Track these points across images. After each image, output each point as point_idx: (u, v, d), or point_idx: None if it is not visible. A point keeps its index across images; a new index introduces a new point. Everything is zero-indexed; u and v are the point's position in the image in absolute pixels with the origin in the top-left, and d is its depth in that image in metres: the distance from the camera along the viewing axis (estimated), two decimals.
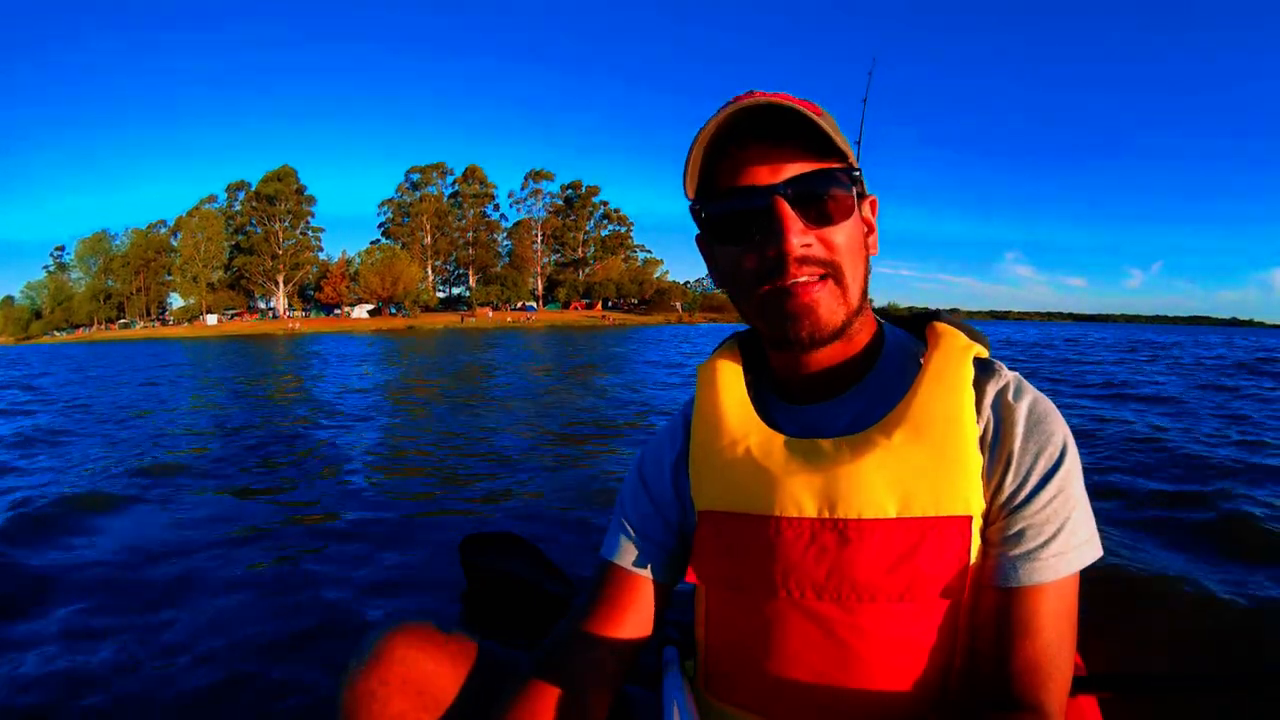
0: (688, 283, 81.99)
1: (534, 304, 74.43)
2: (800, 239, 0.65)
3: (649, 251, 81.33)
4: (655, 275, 77.39)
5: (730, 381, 0.78)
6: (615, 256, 76.88)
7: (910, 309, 0.74)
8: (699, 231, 0.74)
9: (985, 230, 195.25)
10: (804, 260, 0.65)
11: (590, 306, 73.31)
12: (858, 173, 0.68)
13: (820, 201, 0.66)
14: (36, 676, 1.65)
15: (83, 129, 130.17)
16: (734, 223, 0.67)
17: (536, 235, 76.24)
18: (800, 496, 0.68)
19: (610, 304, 74.01)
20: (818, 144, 0.65)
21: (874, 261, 0.74)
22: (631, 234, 79.08)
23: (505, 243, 77.21)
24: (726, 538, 0.71)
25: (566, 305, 73.75)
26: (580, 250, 77.56)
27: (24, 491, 3.53)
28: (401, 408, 7.15)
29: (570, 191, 77.02)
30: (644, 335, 29.58)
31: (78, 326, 74.57)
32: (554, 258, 77.93)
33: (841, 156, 0.67)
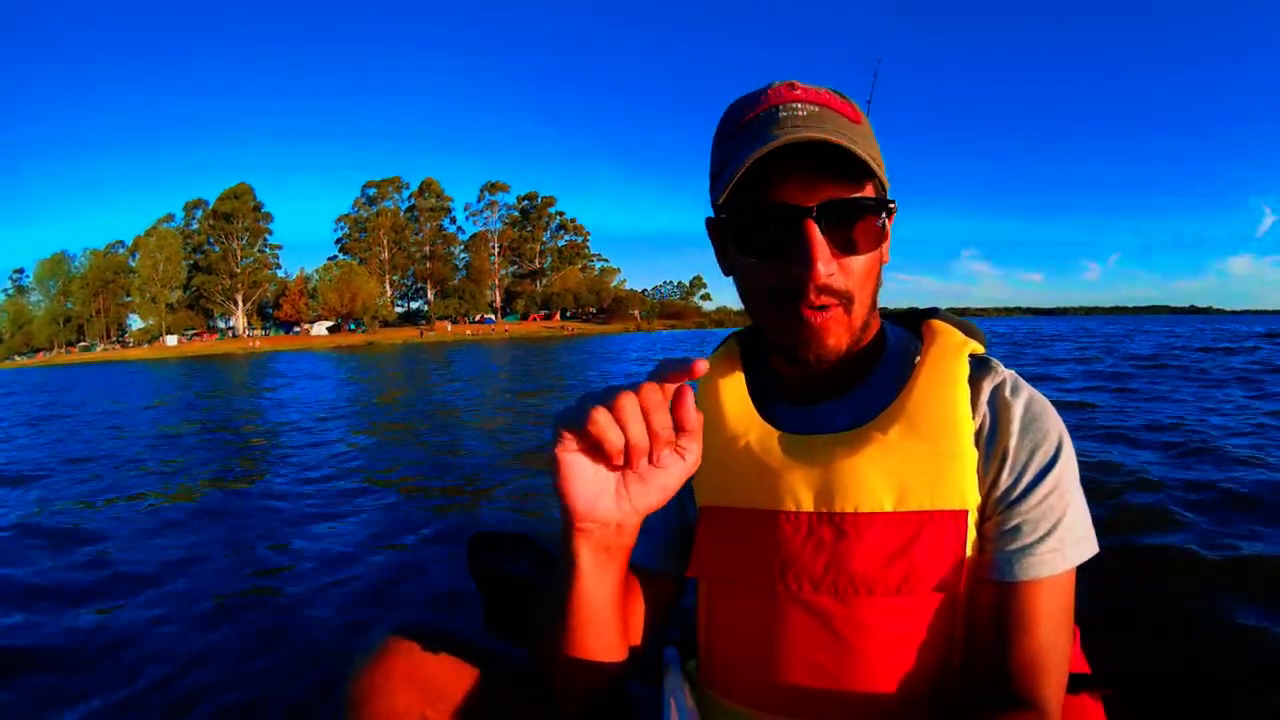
0: (645, 291, 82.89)
1: (492, 316, 74.69)
2: (826, 267, 0.64)
3: (606, 260, 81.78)
4: (613, 284, 78.14)
5: (730, 380, 0.79)
6: (573, 266, 77.30)
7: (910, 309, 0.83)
8: (712, 216, 0.73)
9: (942, 228, 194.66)
10: (824, 288, 0.65)
11: (549, 317, 73.74)
12: (892, 205, 0.68)
13: (850, 229, 0.65)
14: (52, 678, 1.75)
15: (39, 150, 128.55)
16: (760, 237, 0.66)
17: (493, 247, 76.32)
18: (798, 491, 0.69)
19: (569, 314, 74.46)
20: (857, 166, 0.64)
21: None
22: (588, 243, 79.89)
23: (462, 255, 77.35)
24: (726, 532, 0.72)
25: (525, 317, 74.14)
26: (537, 261, 77.84)
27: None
28: (386, 419, 7.24)
29: (526, 202, 77.30)
30: (606, 345, 29.30)
31: (38, 350, 74.10)
32: (511, 269, 78.16)
33: (877, 182, 0.66)
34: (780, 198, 0.64)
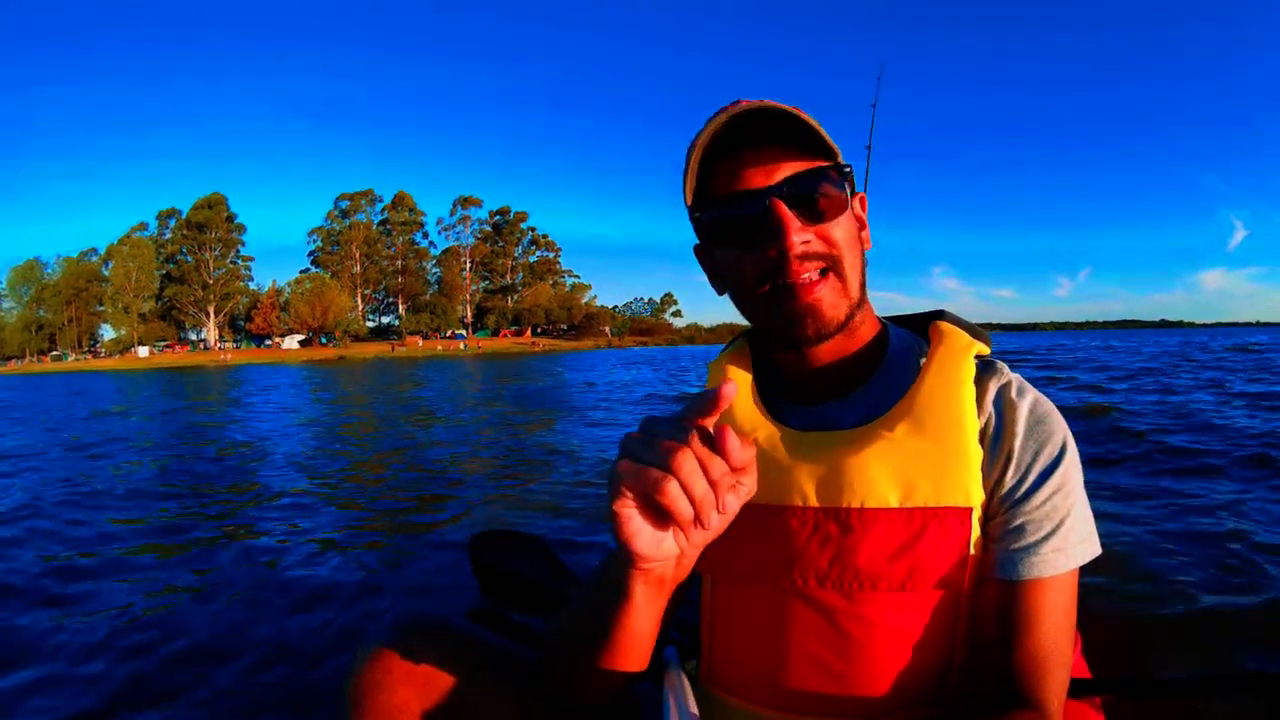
0: (616, 307, 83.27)
1: (464, 332, 74.76)
2: (800, 236, 0.66)
3: (577, 276, 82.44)
4: (584, 300, 78.53)
5: (738, 379, 0.80)
6: (544, 282, 77.58)
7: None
8: (697, 240, 0.76)
9: (911, 243, 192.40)
10: (804, 256, 0.67)
11: (520, 333, 73.97)
12: (848, 169, 0.70)
13: (814, 199, 0.68)
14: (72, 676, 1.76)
15: (12, 153, 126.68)
16: (733, 227, 0.69)
17: (465, 262, 76.50)
18: (805, 486, 0.70)
19: (540, 330, 74.69)
20: (807, 145, 0.68)
21: None
22: (559, 259, 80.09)
23: (434, 270, 77.50)
24: (732, 528, 0.66)
25: (496, 333, 74.26)
26: (509, 276, 77.97)
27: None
28: (377, 427, 7.33)
29: (499, 217, 77.53)
30: (577, 361, 29.12)
31: (10, 358, 73.93)
32: (483, 285, 78.33)
33: (830, 155, 0.69)
34: (745, 186, 0.68)
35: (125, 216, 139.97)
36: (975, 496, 0.66)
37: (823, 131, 0.67)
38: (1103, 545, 0.69)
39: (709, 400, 0.50)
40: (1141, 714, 1.01)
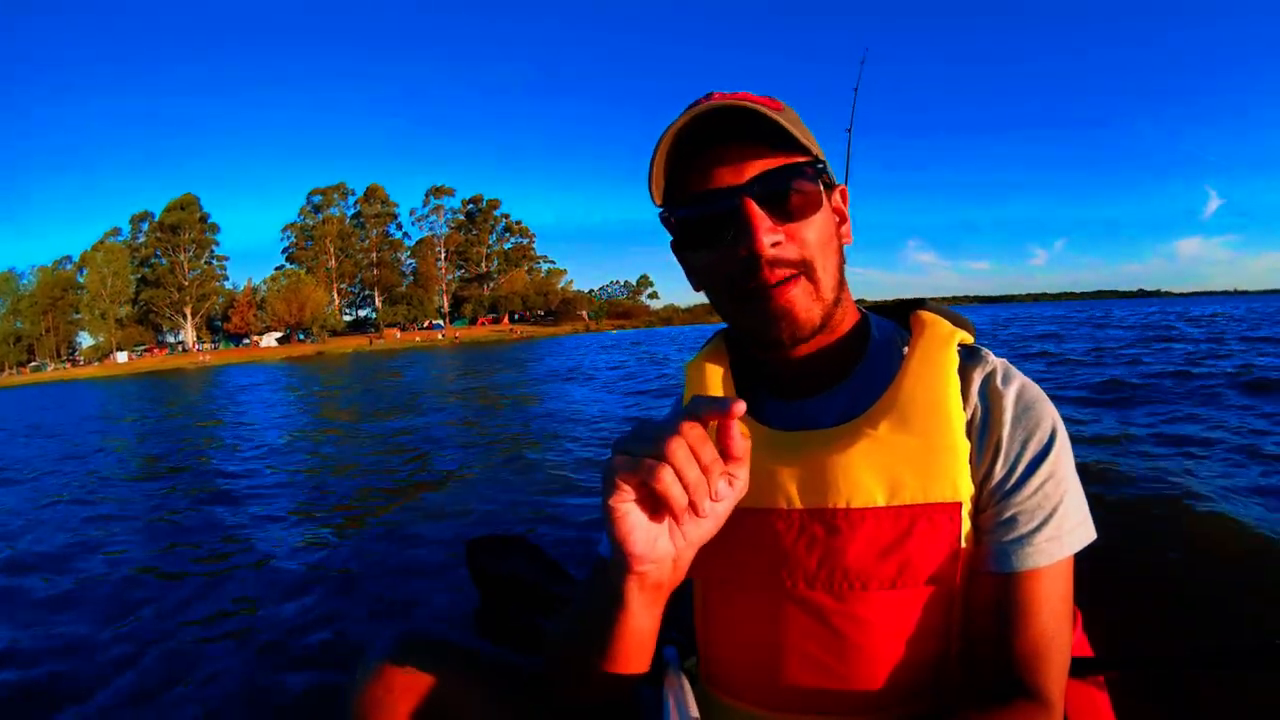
0: (592, 291, 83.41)
1: (441, 322, 74.71)
2: (770, 237, 0.64)
3: (552, 262, 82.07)
4: (560, 285, 78.57)
5: (716, 379, 0.79)
6: (519, 269, 77.52)
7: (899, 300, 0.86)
8: (671, 239, 0.74)
9: (885, 218, 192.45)
10: (775, 260, 0.65)
11: (497, 321, 73.91)
12: (822, 165, 0.68)
13: (786, 197, 0.66)
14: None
15: None
16: (704, 227, 0.67)
17: (440, 252, 76.28)
18: (789, 488, 0.69)
19: (517, 317, 74.71)
20: (781, 139, 0.65)
21: None
22: (534, 245, 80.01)
23: (409, 261, 77.12)
24: (719, 532, 0.67)
25: (473, 321, 74.17)
26: (484, 265, 77.89)
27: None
28: (364, 431, 7.24)
29: (472, 206, 77.27)
30: (556, 347, 29.07)
31: None
32: (458, 274, 78.07)
33: (804, 150, 0.67)
34: (715, 184, 0.66)
35: (98, 222, 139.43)
36: (964, 490, 0.65)
37: (792, 129, 0.64)
38: (1099, 522, 0.67)
39: (714, 404, 0.51)
40: (1146, 690, 1.01)
